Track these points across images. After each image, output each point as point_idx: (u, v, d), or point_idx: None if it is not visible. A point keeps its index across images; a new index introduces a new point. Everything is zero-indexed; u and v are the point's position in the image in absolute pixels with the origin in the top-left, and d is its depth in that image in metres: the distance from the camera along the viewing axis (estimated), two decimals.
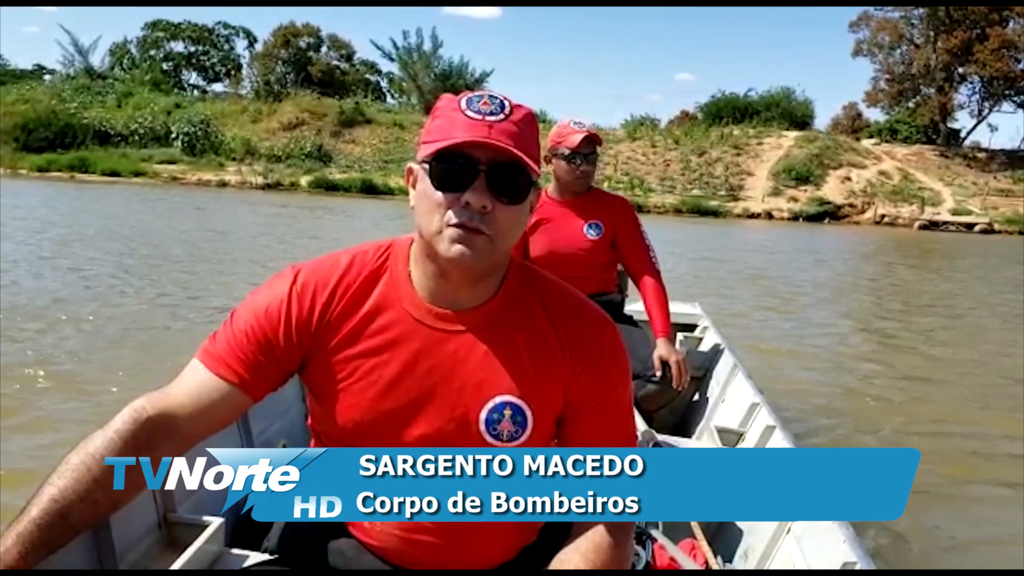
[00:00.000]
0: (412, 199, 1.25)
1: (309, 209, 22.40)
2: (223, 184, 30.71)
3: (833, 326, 9.04)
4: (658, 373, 2.92)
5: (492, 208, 1.18)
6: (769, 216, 32.08)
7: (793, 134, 38.12)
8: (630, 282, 3.29)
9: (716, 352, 3.76)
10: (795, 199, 33.11)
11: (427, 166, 1.20)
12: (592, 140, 3.03)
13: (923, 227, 30.92)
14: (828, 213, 32.28)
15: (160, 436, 1.22)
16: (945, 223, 31.35)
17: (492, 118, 1.18)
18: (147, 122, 34.69)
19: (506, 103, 1.21)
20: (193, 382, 1.27)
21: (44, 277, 8.69)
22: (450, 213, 1.18)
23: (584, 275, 2.95)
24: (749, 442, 2.74)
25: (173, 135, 34.18)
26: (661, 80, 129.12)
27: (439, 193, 1.19)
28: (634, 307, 3.44)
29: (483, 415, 1.26)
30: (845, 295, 12.02)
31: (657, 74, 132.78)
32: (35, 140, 32.06)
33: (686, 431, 3.44)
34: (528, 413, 1.27)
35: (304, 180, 31.58)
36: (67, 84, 40.02)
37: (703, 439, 3.09)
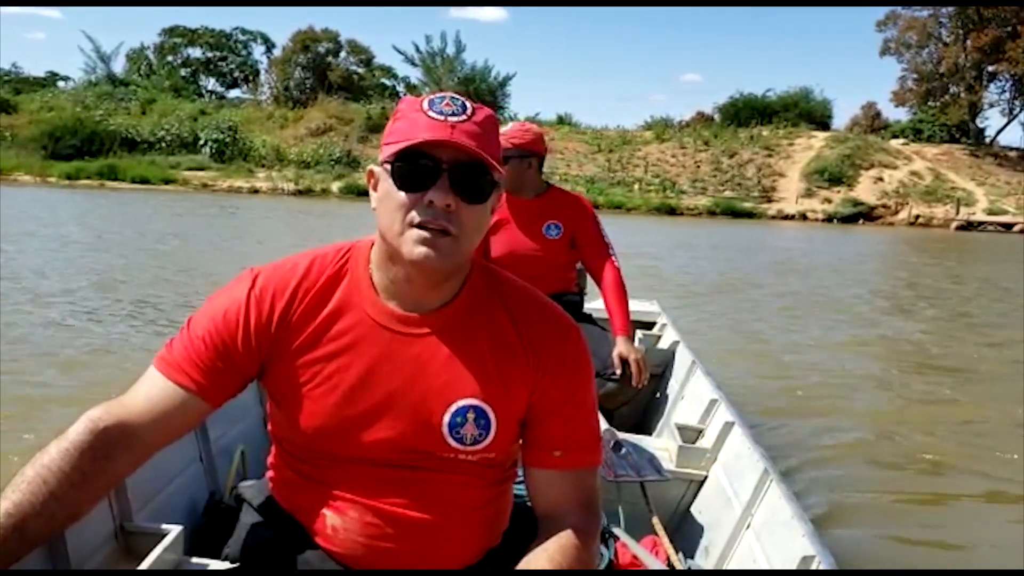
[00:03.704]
0: (373, 201, 1.24)
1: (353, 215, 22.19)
2: (254, 191, 30.49)
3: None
4: (618, 371, 2.90)
5: (456, 207, 1.17)
6: (803, 217, 31.94)
7: (823, 135, 37.95)
8: (589, 280, 3.29)
9: (675, 349, 3.81)
10: (828, 200, 32.96)
11: (389, 167, 1.19)
12: (511, 144, 2.99)
13: (960, 227, 30.73)
14: (862, 214, 32.21)
15: (117, 446, 1.20)
16: (982, 223, 31.12)
17: (454, 119, 1.18)
18: (173, 129, 34.46)
19: (468, 104, 1.21)
20: (150, 390, 1.25)
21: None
22: (413, 213, 1.17)
23: (544, 275, 2.89)
24: (709, 438, 2.74)
25: (201, 142, 33.93)
26: (667, 81, 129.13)
27: (402, 193, 1.18)
28: (593, 305, 3.44)
29: (446, 419, 1.25)
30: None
31: (662, 75, 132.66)
32: (62, 148, 31.79)
33: (647, 428, 3.47)
34: (492, 416, 1.26)
35: (335, 186, 31.33)
36: (90, 91, 39.78)
37: (663, 436, 3.09)
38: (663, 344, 3.92)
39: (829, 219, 31.68)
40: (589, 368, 1.34)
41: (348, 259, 1.31)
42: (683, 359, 3.62)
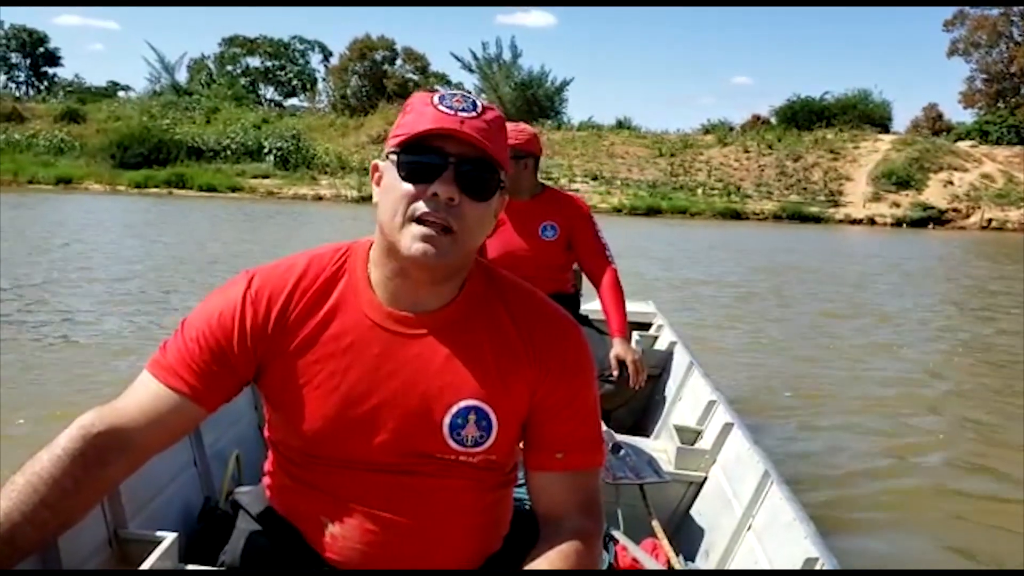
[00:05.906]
0: (376, 195, 1.23)
1: None
2: (318, 198, 30.71)
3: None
4: (615, 373, 2.91)
5: (459, 202, 1.15)
6: (872, 222, 31.28)
7: (888, 137, 37.19)
8: (586, 282, 3.30)
9: (671, 350, 3.80)
10: (896, 204, 32.24)
11: (395, 158, 1.17)
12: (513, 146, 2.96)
13: None
14: (932, 218, 31.40)
15: (111, 452, 1.18)
16: None
17: (464, 114, 1.16)
18: (238, 137, 34.85)
19: (478, 102, 1.20)
20: (144, 395, 1.23)
21: None
22: (416, 205, 1.15)
23: (539, 276, 2.85)
24: (707, 440, 2.72)
25: (266, 150, 34.26)
26: (716, 83, 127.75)
27: (406, 185, 1.16)
28: (589, 306, 3.46)
29: (447, 420, 1.22)
30: None
31: (711, 77, 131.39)
32: (131, 157, 32.29)
33: (644, 430, 3.46)
34: (493, 417, 1.24)
35: None
36: (155, 100, 40.51)
37: (661, 438, 3.08)
38: (660, 345, 3.94)
39: (898, 223, 30.98)
40: (591, 369, 1.33)
41: (346, 259, 1.29)
42: (680, 360, 3.62)
